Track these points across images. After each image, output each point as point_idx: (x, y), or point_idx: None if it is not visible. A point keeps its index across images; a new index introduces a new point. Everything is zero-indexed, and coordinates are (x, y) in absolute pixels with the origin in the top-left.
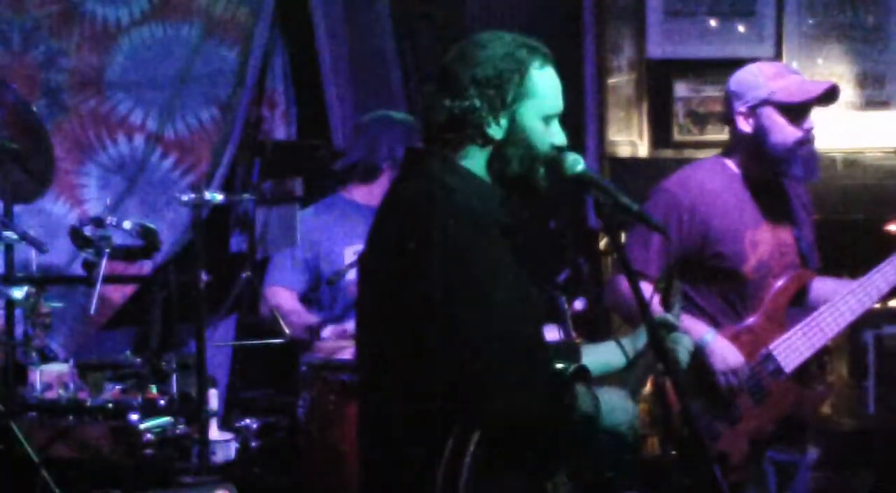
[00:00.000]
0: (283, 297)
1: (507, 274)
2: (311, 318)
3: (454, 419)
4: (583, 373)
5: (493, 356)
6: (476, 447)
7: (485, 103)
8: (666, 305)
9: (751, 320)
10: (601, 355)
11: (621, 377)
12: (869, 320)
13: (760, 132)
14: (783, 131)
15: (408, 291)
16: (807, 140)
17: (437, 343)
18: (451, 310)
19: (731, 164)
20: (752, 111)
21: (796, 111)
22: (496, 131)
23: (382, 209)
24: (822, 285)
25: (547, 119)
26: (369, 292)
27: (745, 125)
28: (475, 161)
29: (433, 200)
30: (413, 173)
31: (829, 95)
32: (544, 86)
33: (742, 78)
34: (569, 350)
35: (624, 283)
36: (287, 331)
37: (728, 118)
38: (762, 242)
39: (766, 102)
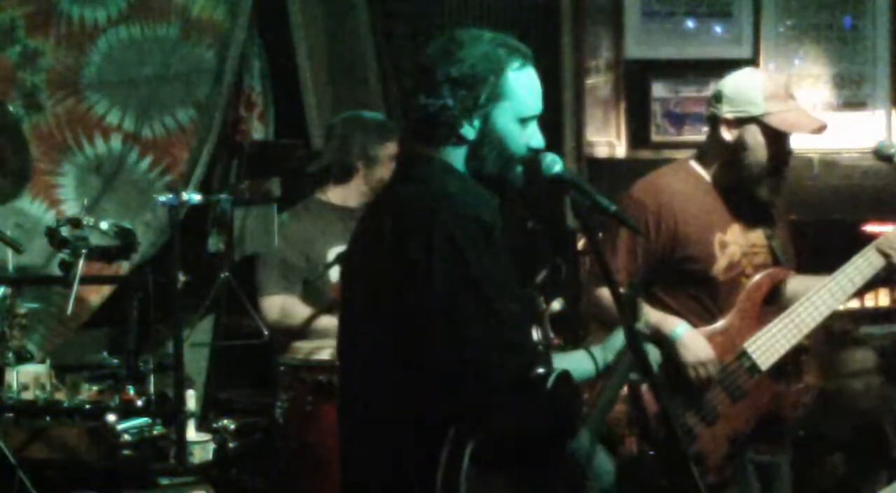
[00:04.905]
0: (279, 304)
1: (507, 279)
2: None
3: (450, 426)
4: (566, 378)
5: (497, 364)
6: (472, 454)
7: (457, 103)
8: (633, 314)
9: (724, 321)
10: (571, 365)
11: (595, 388)
12: (846, 319)
13: (740, 146)
14: (762, 152)
15: (408, 295)
16: (782, 164)
17: (438, 349)
18: (454, 317)
19: (697, 166)
20: (739, 123)
21: (781, 136)
22: (469, 132)
23: (376, 210)
24: (796, 283)
25: (524, 121)
26: (361, 294)
27: (727, 133)
28: (453, 160)
29: (435, 205)
30: (410, 175)
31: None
32: (522, 87)
33: (739, 86)
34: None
35: (601, 291)
36: (276, 336)
37: (708, 117)
38: (731, 243)
39: (756, 120)
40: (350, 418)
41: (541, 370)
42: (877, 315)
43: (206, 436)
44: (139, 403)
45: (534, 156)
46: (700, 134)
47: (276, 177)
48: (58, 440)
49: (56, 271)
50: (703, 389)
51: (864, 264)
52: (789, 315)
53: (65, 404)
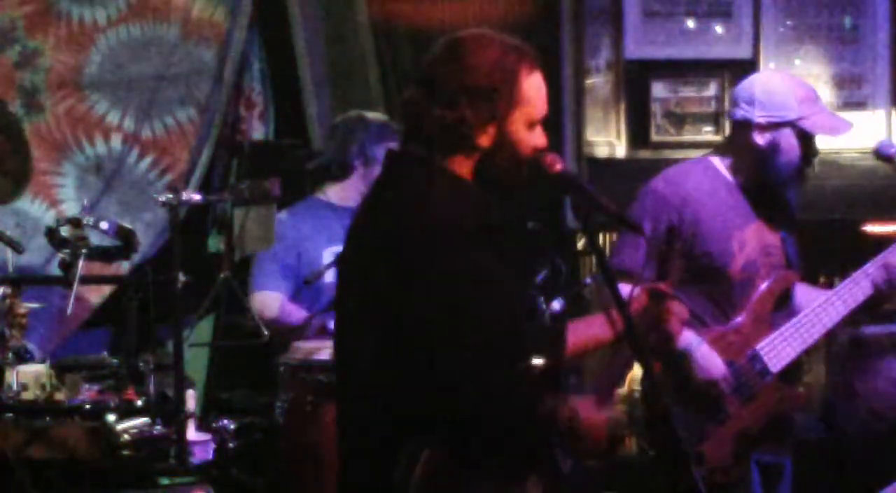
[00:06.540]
0: (271, 300)
1: (494, 284)
2: (300, 314)
3: (442, 427)
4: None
5: (476, 371)
6: (424, 462)
7: (476, 114)
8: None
9: (738, 320)
10: (588, 329)
11: (608, 358)
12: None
13: (773, 149)
14: (795, 155)
15: (398, 301)
16: (810, 165)
17: (426, 354)
18: (435, 323)
19: (719, 164)
20: (773, 127)
21: (811, 138)
22: (484, 140)
23: (364, 212)
24: (804, 289)
25: (532, 125)
26: (354, 297)
27: (760, 137)
28: (461, 166)
29: (427, 210)
30: (398, 178)
31: None
32: (532, 93)
33: (771, 90)
34: (552, 336)
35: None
36: (270, 333)
37: (736, 120)
38: (749, 242)
39: (790, 124)
40: (345, 419)
41: (534, 361)
42: (877, 315)
43: (206, 436)
44: (139, 403)
45: (538, 156)
46: (700, 134)
47: (276, 177)
48: (57, 440)
49: (56, 271)
50: (716, 396)
51: (878, 273)
52: (801, 320)
53: (65, 404)
